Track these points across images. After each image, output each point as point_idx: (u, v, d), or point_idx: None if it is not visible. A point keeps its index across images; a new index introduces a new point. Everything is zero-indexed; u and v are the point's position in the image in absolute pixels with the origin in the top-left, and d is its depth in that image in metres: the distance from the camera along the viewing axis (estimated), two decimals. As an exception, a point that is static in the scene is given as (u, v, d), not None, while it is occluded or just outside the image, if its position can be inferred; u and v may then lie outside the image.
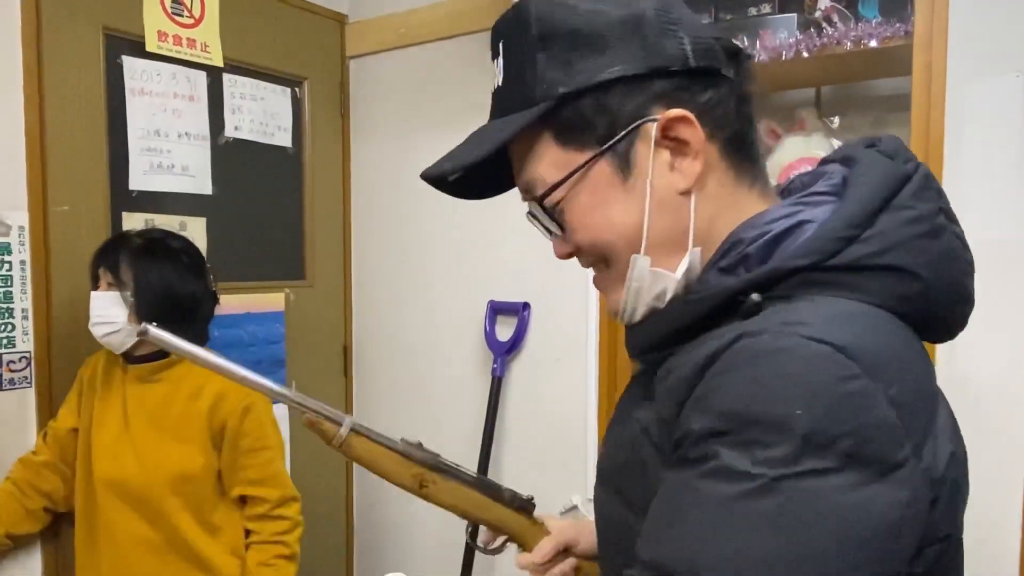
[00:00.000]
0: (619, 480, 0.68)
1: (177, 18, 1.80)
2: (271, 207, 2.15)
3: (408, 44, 2.15)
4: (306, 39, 2.18)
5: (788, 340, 0.52)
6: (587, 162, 0.64)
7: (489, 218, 2.05)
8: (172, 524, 1.50)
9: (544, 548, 0.90)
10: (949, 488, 0.55)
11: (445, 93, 2.10)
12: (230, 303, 2.00)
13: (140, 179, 1.78)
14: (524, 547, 0.93)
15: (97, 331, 1.48)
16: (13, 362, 1.62)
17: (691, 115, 0.62)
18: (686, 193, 0.64)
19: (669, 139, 0.63)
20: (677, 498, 0.54)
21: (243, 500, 1.56)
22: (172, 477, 1.49)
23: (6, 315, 1.59)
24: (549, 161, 0.66)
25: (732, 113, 0.65)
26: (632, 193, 0.64)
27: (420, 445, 0.90)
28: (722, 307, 0.60)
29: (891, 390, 0.51)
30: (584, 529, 0.93)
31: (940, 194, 0.62)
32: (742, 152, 0.66)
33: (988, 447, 1.33)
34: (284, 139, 2.13)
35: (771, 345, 0.53)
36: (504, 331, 2.03)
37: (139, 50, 1.75)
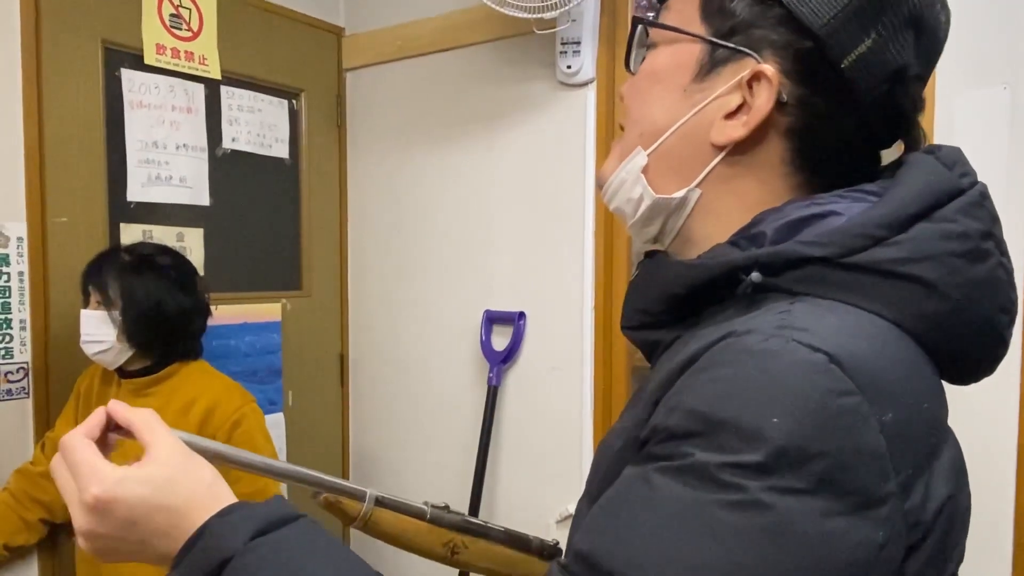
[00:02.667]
0: (598, 491, 0.62)
1: (175, 31, 1.82)
2: (268, 218, 2.16)
3: (404, 56, 2.17)
4: (303, 51, 2.20)
5: (778, 343, 0.47)
6: (694, 35, 0.60)
7: (485, 228, 2.07)
8: None
9: None
10: (937, 537, 0.49)
11: (441, 105, 2.12)
12: (227, 313, 2.01)
13: (138, 190, 1.79)
14: None
15: (88, 349, 1.49)
16: (11, 372, 1.62)
17: (782, 93, 0.56)
18: (717, 147, 0.59)
19: (750, 90, 0.58)
20: (629, 492, 0.49)
21: None
22: None
23: (4, 326, 1.59)
24: (687, 5, 0.61)
25: (833, 135, 0.58)
26: (684, 98, 0.60)
27: (447, 507, 0.81)
28: (721, 280, 0.55)
29: (886, 416, 0.46)
30: None
31: (994, 219, 0.56)
32: (821, 178, 0.59)
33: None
34: (281, 151, 2.15)
35: (757, 345, 0.48)
36: (500, 341, 2.04)
37: (138, 63, 1.77)
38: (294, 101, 2.19)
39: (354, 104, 2.34)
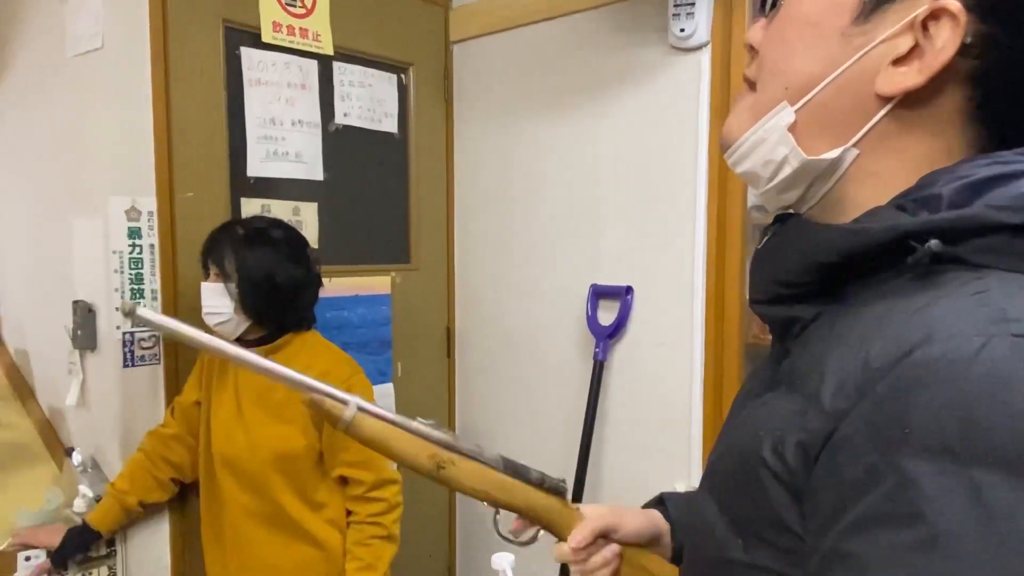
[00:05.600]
0: (722, 488, 0.58)
1: (290, 8, 1.86)
2: (378, 192, 2.19)
3: (511, 27, 2.15)
4: (411, 25, 2.21)
5: (1000, 345, 0.40)
6: None
7: (592, 200, 2.03)
8: (277, 500, 1.56)
9: (580, 534, 0.81)
10: None
11: (549, 75, 2.08)
12: (340, 285, 2.06)
13: (257, 166, 1.85)
14: (559, 535, 0.83)
15: (208, 320, 1.55)
16: (144, 340, 1.72)
17: (966, 32, 0.49)
18: (883, 98, 0.52)
19: (924, 31, 0.50)
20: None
21: (343, 480, 1.61)
22: (275, 456, 1.55)
23: (138, 296, 1.69)
24: None
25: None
26: (842, 43, 0.53)
27: (436, 424, 0.81)
28: (886, 249, 0.48)
29: None
30: (625, 513, 0.85)
31: None
32: (1003, 133, 0.52)
33: None
34: (391, 125, 2.17)
35: (979, 353, 0.40)
36: (606, 315, 2.01)
37: (255, 41, 1.82)
38: (402, 75, 2.20)
39: (461, 77, 2.33)
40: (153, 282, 1.71)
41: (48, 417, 2.08)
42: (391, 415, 0.79)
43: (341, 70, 2.01)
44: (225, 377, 1.62)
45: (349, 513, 1.62)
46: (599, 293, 2.03)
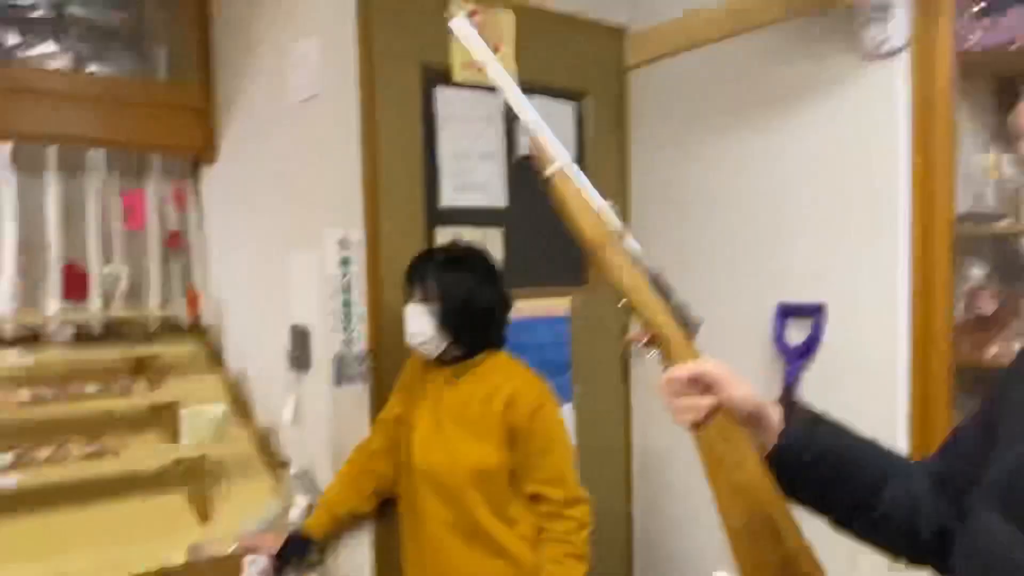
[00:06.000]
0: None
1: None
2: (557, 217, 2.25)
3: (688, 47, 2.15)
4: (586, 54, 2.26)
5: None
6: None
7: (777, 216, 1.98)
8: (472, 514, 1.62)
9: (680, 370, 0.83)
10: None
11: (730, 93, 2.06)
12: (523, 308, 2.13)
13: (449, 196, 1.96)
14: (668, 362, 0.86)
15: (412, 340, 1.65)
16: (353, 360, 1.86)
17: None
18: None
19: None
20: None
21: (535, 497, 1.64)
22: (471, 471, 1.61)
23: (348, 319, 1.83)
24: None
25: None
26: None
27: (615, 208, 0.89)
28: None
29: None
30: (737, 379, 0.84)
31: None
32: None
33: None
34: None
35: None
36: (796, 335, 1.94)
37: (447, 79, 1.94)
38: (579, 104, 2.26)
39: (637, 101, 2.36)
40: (360, 305, 1.85)
41: (265, 433, 2.29)
42: (587, 188, 0.89)
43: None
44: (424, 395, 1.72)
45: (540, 531, 1.65)
46: (787, 311, 1.96)
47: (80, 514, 1.92)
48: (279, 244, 2.05)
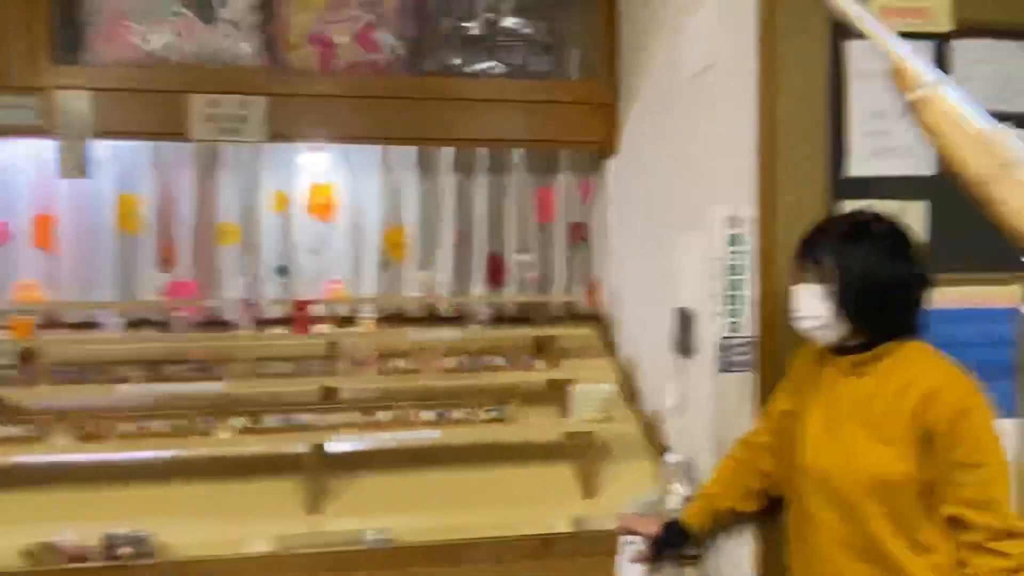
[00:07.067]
0: None
1: (902, -11, 1.69)
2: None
3: None
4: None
5: None
6: None
7: None
8: (870, 531, 1.37)
9: None
10: None
11: None
12: (950, 296, 1.76)
13: (860, 164, 1.72)
14: None
15: (800, 325, 1.46)
16: (738, 346, 1.73)
17: None
18: None
19: None
20: None
21: (954, 521, 1.33)
22: (871, 479, 1.36)
23: (735, 302, 1.71)
24: None
25: None
26: None
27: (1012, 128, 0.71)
28: None
29: None
30: None
31: None
32: None
33: None
34: (1021, 104, 1.80)
35: None
36: None
37: (860, 32, 1.70)
38: (1041, 44, 1.80)
39: None
40: (749, 288, 1.72)
41: (651, 418, 2.28)
42: (968, 110, 0.75)
43: (963, 48, 1.74)
44: (817, 388, 1.51)
45: (961, 564, 1.33)
46: None
47: (481, 474, 2.14)
48: (669, 227, 2.03)
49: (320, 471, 2.06)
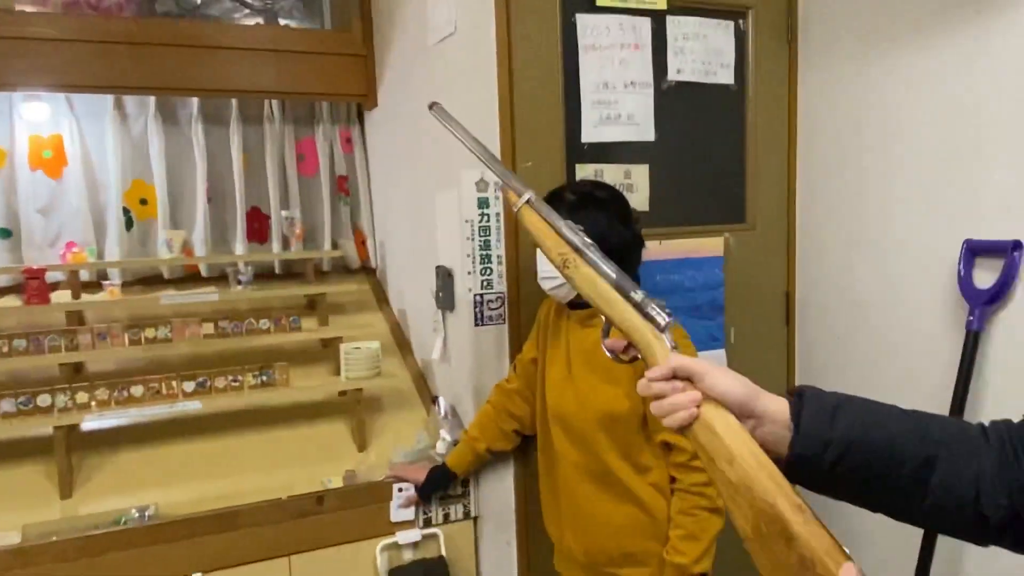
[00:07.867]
0: None
1: (622, -31, 1.84)
2: (711, 149, 2.11)
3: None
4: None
5: None
6: None
7: (968, 143, 1.71)
8: (602, 459, 1.58)
9: (658, 370, 0.79)
10: None
11: (914, 3, 1.79)
12: (671, 248, 2.03)
13: (591, 131, 1.88)
14: (647, 362, 0.83)
15: (545, 285, 1.60)
16: (492, 302, 1.87)
17: None
18: None
19: None
20: None
21: (666, 446, 1.57)
22: (601, 415, 1.56)
23: (487, 260, 1.84)
24: None
25: None
26: None
27: (582, 231, 0.93)
28: None
29: None
30: (718, 369, 0.78)
31: None
32: None
33: None
34: (726, 76, 2.06)
35: None
36: (984, 277, 1.69)
37: (590, 6, 1.84)
38: (741, 21, 2.07)
39: (807, 15, 2.12)
40: (499, 248, 1.84)
41: (421, 370, 2.38)
42: (551, 216, 0.95)
43: (675, 24, 1.95)
44: (558, 339, 1.69)
45: (673, 480, 1.59)
46: (975, 250, 1.71)
47: (252, 439, 2.12)
48: (428, 187, 2.08)
49: (71, 452, 1.94)
